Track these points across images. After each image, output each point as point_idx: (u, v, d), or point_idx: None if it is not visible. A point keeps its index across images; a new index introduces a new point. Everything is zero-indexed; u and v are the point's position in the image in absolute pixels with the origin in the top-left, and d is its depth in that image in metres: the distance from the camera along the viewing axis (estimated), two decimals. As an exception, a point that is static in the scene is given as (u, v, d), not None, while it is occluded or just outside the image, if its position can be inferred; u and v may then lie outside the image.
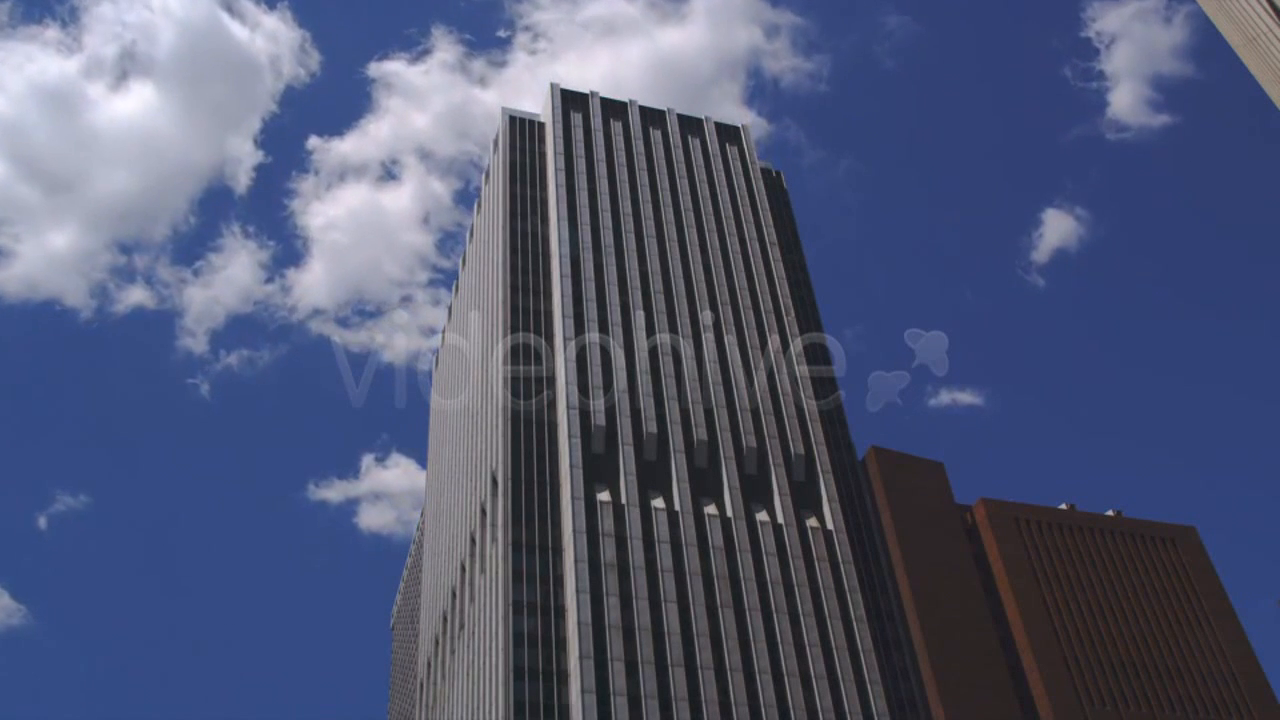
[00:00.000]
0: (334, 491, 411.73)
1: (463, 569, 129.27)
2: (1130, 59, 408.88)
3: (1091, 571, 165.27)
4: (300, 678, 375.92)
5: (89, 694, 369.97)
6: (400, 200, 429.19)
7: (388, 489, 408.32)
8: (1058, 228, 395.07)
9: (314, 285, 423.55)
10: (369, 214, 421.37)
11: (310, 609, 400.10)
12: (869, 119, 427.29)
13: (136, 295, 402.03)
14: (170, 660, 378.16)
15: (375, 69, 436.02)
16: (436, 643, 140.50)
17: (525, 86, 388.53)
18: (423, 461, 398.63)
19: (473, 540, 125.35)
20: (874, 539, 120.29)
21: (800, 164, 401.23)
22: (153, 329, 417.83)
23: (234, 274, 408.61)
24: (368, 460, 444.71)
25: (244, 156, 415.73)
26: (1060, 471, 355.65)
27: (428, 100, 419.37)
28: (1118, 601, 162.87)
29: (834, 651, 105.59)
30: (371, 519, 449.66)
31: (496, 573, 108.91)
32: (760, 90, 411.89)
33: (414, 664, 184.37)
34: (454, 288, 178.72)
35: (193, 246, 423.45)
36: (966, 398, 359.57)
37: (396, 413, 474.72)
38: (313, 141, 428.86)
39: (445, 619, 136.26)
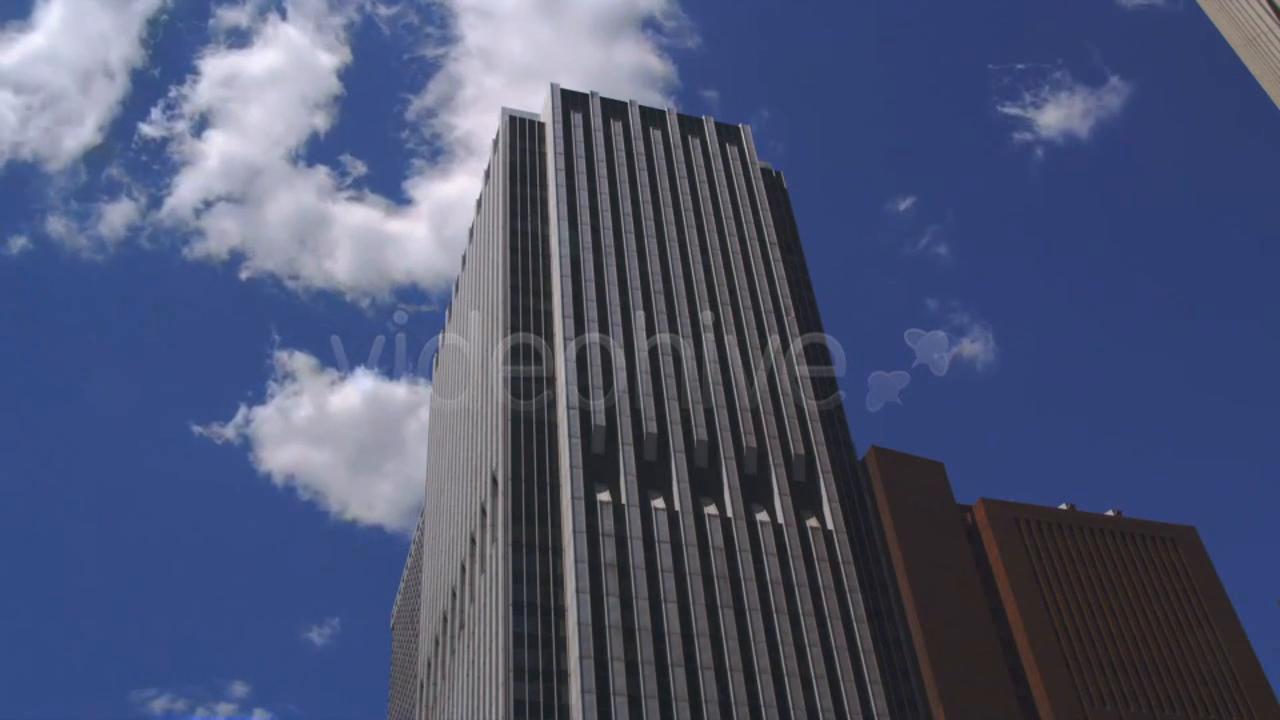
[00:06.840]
0: (230, 430, 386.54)
1: (463, 569, 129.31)
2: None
3: (1091, 571, 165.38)
4: (300, 677, 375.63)
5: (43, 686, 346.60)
6: (278, 83, 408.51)
7: (291, 419, 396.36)
8: (1057, 114, 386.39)
9: (197, 188, 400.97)
10: (256, 102, 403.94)
11: (310, 609, 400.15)
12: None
13: (17, 240, 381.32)
14: (150, 658, 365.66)
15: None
16: (436, 643, 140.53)
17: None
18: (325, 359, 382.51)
19: (473, 540, 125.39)
20: (874, 539, 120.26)
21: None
22: (34, 274, 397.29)
23: (118, 207, 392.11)
24: (268, 391, 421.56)
25: (123, 66, 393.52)
26: (1060, 471, 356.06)
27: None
28: (1118, 601, 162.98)
29: (834, 651, 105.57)
30: (273, 458, 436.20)
31: (496, 573, 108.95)
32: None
33: (414, 664, 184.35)
34: (454, 287, 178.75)
35: (80, 186, 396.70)
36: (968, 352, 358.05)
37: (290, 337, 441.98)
38: (200, 38, 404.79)
39: (445, 619, 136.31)
